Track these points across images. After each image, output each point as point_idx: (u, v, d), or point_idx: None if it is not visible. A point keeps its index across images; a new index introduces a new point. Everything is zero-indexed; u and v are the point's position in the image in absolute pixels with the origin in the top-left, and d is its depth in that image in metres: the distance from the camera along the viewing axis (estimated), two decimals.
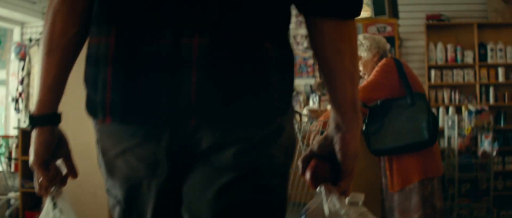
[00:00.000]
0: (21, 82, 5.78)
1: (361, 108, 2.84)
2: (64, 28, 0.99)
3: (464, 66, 5.95)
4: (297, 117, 2.88)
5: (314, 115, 3.19)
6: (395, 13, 4.85)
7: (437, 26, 6.03)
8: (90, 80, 0.96)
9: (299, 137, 2.71)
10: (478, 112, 4.96)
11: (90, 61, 0.97)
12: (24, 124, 5.52)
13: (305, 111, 3.34)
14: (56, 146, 1.03)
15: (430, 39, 6.00)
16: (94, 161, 1.19)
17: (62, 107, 1.05)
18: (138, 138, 0.94)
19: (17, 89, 5.85)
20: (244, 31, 0.92)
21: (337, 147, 1.02)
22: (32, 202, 4.54)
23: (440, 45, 5.97)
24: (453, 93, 5.95)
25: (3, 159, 5.23)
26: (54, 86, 1.01)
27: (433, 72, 5.97)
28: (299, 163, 1.07)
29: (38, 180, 1.03)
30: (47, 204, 1.04)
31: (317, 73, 6.01)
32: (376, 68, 2.84)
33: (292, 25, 1.03)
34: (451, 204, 4.95)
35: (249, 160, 0.94)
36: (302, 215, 1.03)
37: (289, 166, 1.03)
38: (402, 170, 2.74)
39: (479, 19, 6.02)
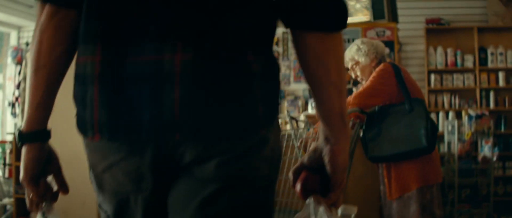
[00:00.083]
0: (18, 86, 5.75)
1: (358, 114, 2.79)
2: (51, 46, 1.00)
3: (464, 70, 5.92)
4: (294, 123, 2.83)
5: (311, 120, 3.14)
6: (394, 17, 4.81)
7: (436, 30, 6.00)
8: (79, 99, 0.98)
9: (296, 143, 2.67)
10: (478, 117, 4.94)
11: (78, 80, 0.98)
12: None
13: (302, 117, 3.29)
14: (46, 162, 1.05)
15: (429, 43, 5.96)
16: (82, 171, 1.22)
17: (50, 117, 1.06)
18: (122, 152, 0.96)
19: (13, 93, 5.84)
20: (227, 45, 0.92)
21: (326, 159, 1.03)
22: (25, 208, 4.50)
23: (440, 50, 5.94)
24: (453, 98, 5.91)
25: None
26: (42, 104, 1.03)
27: (433, 76, 5.94)
28: (290, 175, 1.09)
29: (28, 196, 1.06)
30: None
31: None
32: (373, 74, 2.80)
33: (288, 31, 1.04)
34: (451, 210, 4.92)
35: (231, 171, 0.95)
36: None
37: (275, 179, 1.03)
38: (400, 177, 2.70)
39: (479, 23, 5.99)
